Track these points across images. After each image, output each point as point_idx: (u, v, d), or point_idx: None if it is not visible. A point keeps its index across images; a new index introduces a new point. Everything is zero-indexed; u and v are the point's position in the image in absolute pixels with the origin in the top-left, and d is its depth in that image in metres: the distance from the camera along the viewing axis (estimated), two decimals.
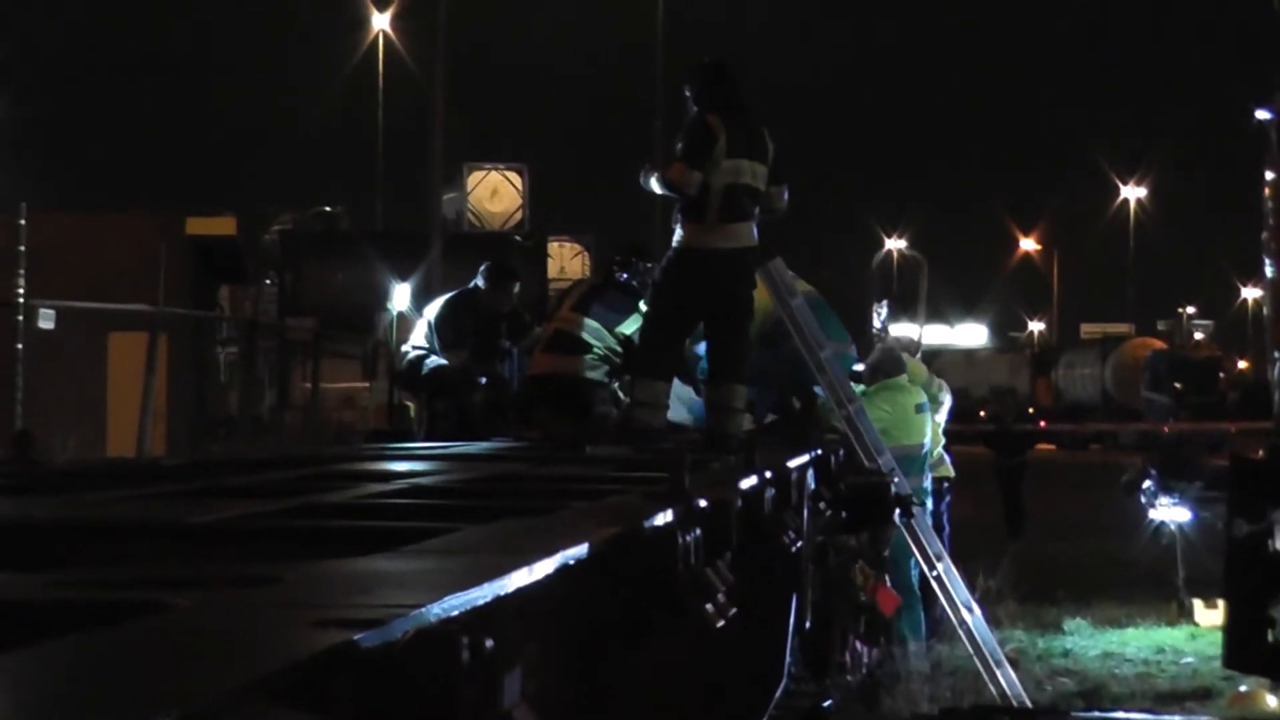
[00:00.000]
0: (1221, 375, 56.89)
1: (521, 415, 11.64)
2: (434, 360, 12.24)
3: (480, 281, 12.44)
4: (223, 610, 2.11)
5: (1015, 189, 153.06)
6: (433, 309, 12.69)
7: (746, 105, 9.93)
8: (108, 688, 1.59)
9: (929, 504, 12.93)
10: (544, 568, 2.57)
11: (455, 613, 2.01)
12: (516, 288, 12.70)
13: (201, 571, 2.64)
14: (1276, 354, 7.75)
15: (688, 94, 9.90)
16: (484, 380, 12.18)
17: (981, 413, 52.66)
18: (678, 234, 9.71)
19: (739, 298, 9.79)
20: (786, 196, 9.98)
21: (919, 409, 13.06)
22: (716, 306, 9.73)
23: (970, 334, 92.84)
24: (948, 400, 14.39)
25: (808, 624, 7.96)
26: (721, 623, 3.65)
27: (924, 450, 13.05)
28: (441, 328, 12.28)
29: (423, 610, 1.93)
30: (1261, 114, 7.93)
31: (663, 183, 9.65)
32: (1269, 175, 7.76)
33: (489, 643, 1.93)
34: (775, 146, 9.86)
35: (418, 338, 12.59)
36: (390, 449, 9.49)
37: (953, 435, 16.90)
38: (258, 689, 1.56)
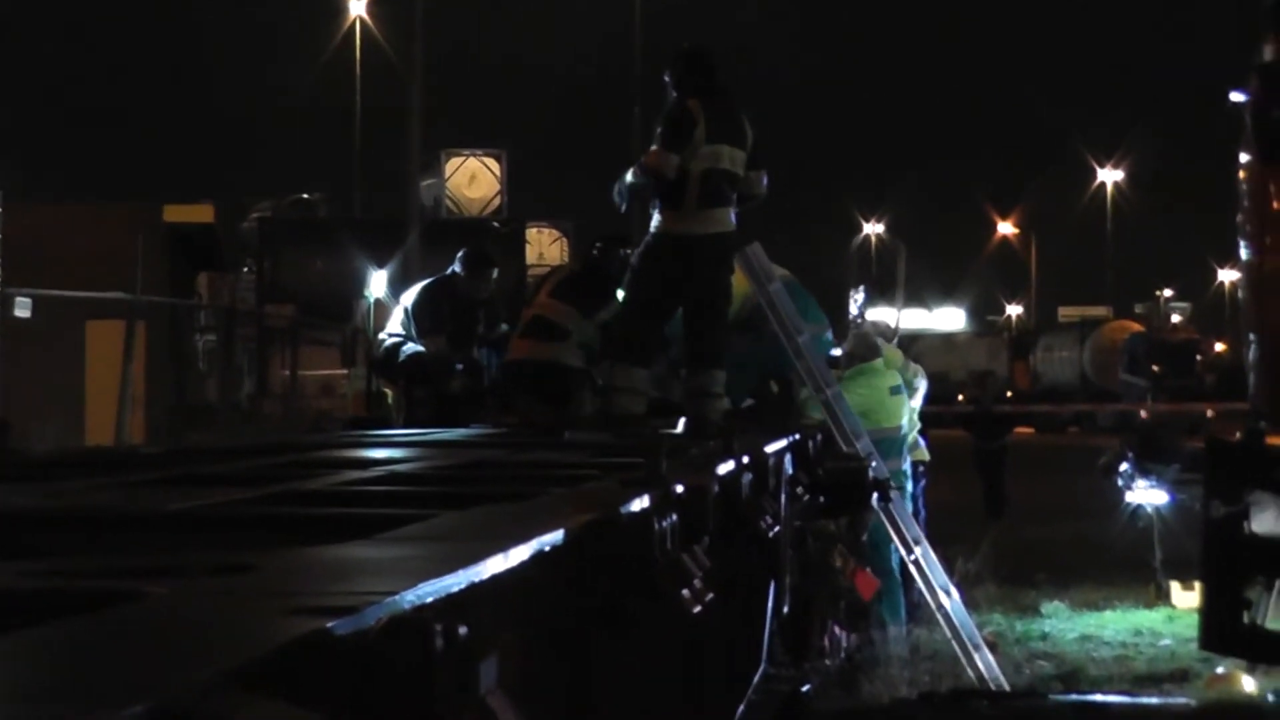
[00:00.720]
0: (1199, 357, 57.05)
1: (500, 401, 11.64)
2: (411, 347, 12.23)
3: (457, 268, 12.42)
4: (197, 599, 2.12)
5: (993, 173, 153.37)
6: (409, 296, 12.68)
7: (726, 90, 9.92)
8: (81, 677, 1.60)
9: (907, 487, 12.95)
10: (519, 554, 2.58)
11: (429, 600, 2.01)
12: (494, 274, 12.68)
13: (177, 560, 2.64)
14: (1252, 336, 7.77)
15: (667, 79, 9.90)
16: (460, 367, 12.17)
17: (960, 396, 52.78)
18: (655, 219, 9.70)
19: (717, 283, 9.79)
20: (766, 182, 9.97)
21: (894, 391, 13.08)
22: (695, 292, 9.73)
23: (948, 318, 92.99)
24: (923, 385, 14.42)
25: (786, 609, 7.98)
26: (698, 608, 3.66)
27: (902, 433, 13.07)
28: (418, 314, 12.27)
29: (396, 598, 1.94)
30: (1236, 97, 7.95)
31: (641, 169, 9.62)
32: (1243, 158, 7.77)
33: (463, 630, 1.94)
34: (754, 132, 9.86)
35: (394, 325, 12.57)
36: (368, 436, 9.49)
37: (930, 418, 16.92)
38: (231, 678, 1.56)
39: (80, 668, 1.64)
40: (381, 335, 12.95)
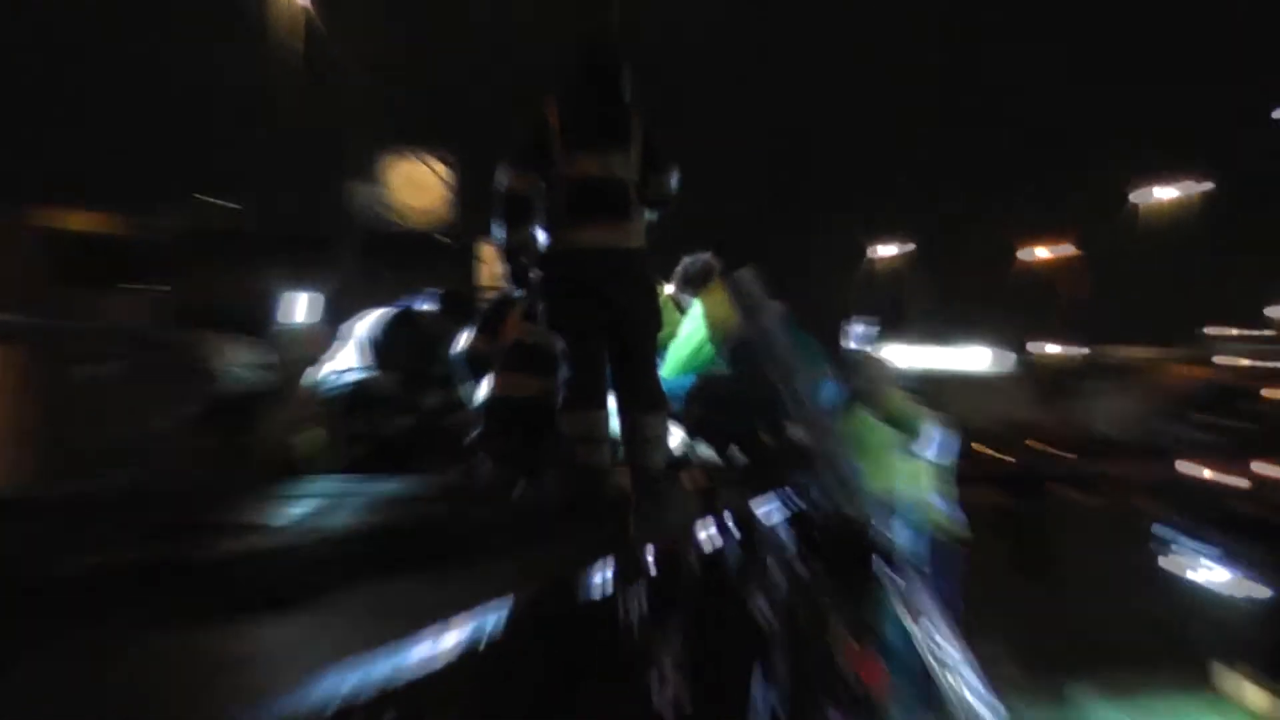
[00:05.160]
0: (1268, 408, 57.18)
1: (465, 440, 11.60)
2: (354, 375, 12.28)
3: (431, 306, 12.44)
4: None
5: (1031, 198, 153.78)
6: (365, 326, 12.69)
7: (607, 88, 9.81)
8: None
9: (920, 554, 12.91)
10: (455, 635, 2.55)
11: (346, 690, 1.98)
12: (463, 333, 12.62)
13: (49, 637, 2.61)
14: None
15: None
16: (407, 406, 12.20)
17: (976, 445, 52.79)
18: (542, 240, 9.71)
19: (624, 306, 9.67)
20: (675, 181, 9.87)
21: (898, 444, 13.03)
22: (597, 316, 9.66)
23: (971, 356, 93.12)
24: (939, 435, 14.25)
25: (774, 693, 7.95)
26: (671, 694, 3.63)
27: (906, 492, 13.00)
28: (376, 344, 12.34)
29: (306, 690, 1.90)
30: None
31: (503, 198, 9.67)
32: None
33: None
34: (645, 130, 9.76)
35: (348, 358, 12.59)
36: (290, 485, 9.44)
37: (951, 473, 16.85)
38: None
39: None
40: (326, 368, 12.95)
